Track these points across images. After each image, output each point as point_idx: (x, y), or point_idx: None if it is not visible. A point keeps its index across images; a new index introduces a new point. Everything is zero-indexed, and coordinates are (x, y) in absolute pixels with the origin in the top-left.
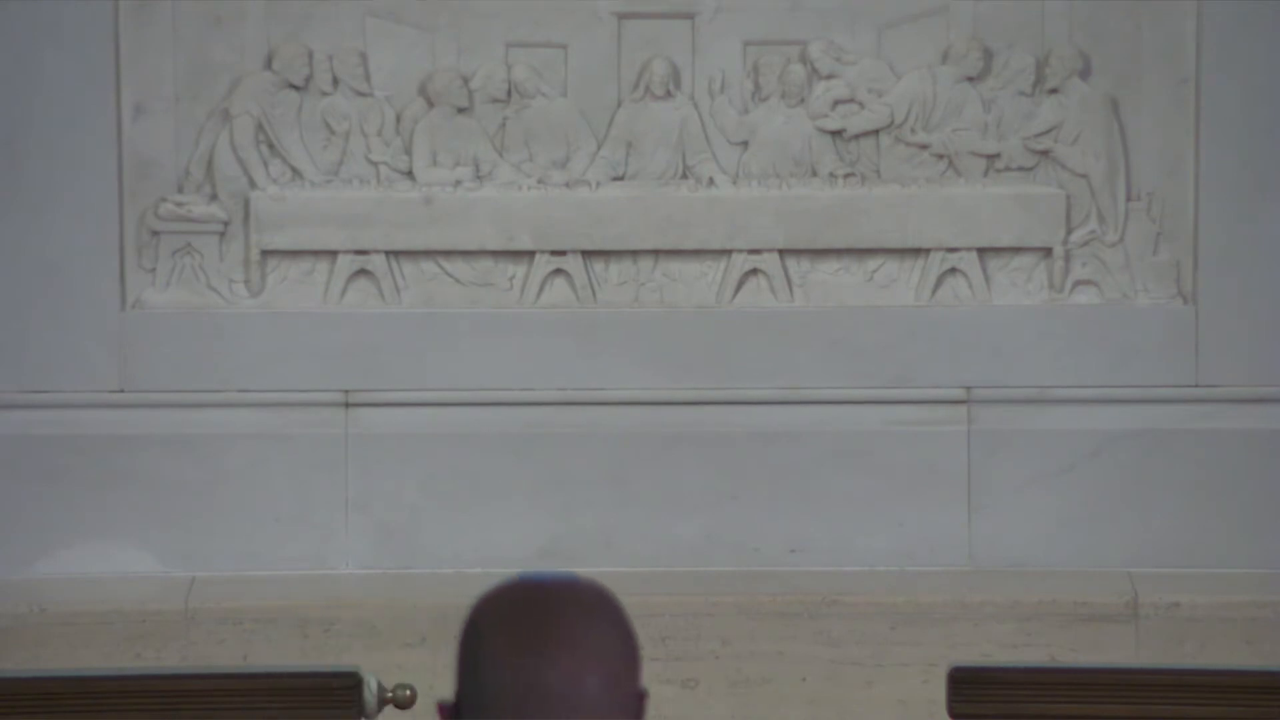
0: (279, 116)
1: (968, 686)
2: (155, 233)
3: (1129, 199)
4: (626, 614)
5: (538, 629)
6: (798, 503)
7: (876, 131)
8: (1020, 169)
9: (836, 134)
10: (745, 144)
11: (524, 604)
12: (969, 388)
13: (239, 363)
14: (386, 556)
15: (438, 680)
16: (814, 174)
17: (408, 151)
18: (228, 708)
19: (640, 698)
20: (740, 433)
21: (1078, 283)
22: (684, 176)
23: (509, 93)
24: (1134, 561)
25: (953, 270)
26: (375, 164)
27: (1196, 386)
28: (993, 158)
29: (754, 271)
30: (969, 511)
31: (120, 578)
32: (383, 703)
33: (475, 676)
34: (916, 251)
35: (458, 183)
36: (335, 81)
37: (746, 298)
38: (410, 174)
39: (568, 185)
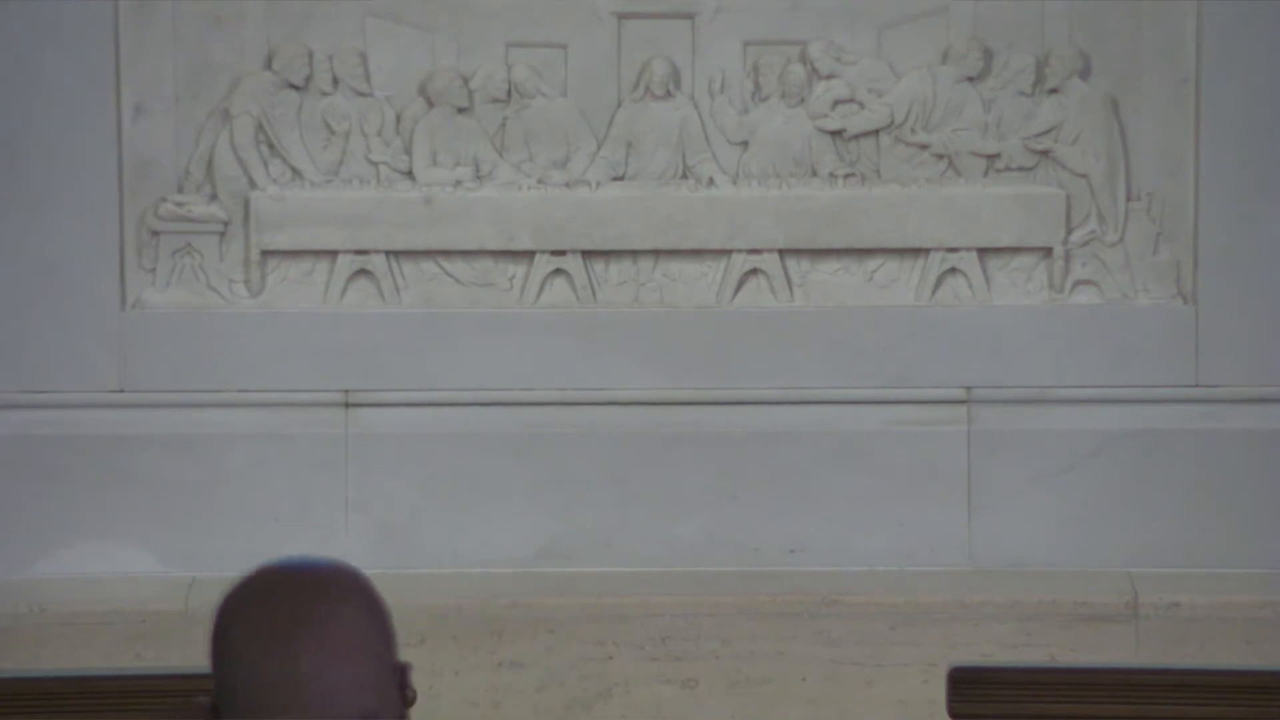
0: (279, 116)
1: (968, 686)
2: (155, 233)
3: (1129, 199)
4: (374, 590)
5: (282, 618)
6: (798, 503)
7: (876, 131)
8: (1020, 169)
9: (836, 134)
10: (745, 144)
11: (267, 594)
12: (969, 388)
13: (239, 363)
14: (386, 556)
15: (438, 680)
16: (814, 174)
17: (408, 151)
18: None
19: (401, 670)
20: (740, 433)
21: (1078, 283)
22: (684, 176)
23: (509, 93)
24: (1134, 561)
25: (953, 270)
26: (375, 164)
27: (1196, 386)
28: (993, 158)
29: (754, 271)
30: (969, 511)
31: (120, 578)
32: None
33: (225, 671)
34: (916, 251)
35: (458, 183)
36: (335, 81)
37: (746, 298)
38: (410, 174)
39: (568, 185)
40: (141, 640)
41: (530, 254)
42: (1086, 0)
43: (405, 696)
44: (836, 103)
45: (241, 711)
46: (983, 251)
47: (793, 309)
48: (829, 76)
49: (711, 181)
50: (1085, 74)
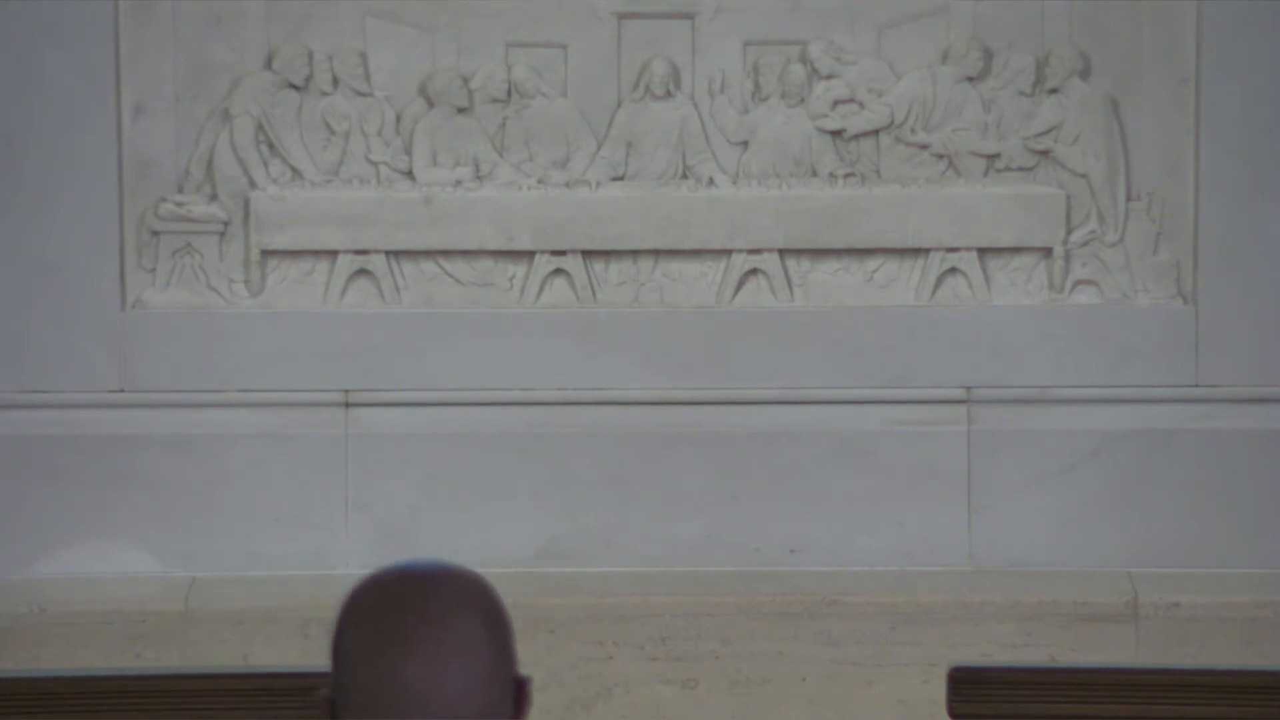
0: (279, 116)
1: (968, 686)
2: (155, 233)
3: (1129, 199)
4: (499, 601)
5: (396, 623)
6: (798, 503)
7: (876, 131)
8: (1020, 169)
9: (836, 134)
10: (745, 144)
11: (386, 597)
12: (969, 388)
13: (239, 363)
14: (386, 556)
15: None
16: (814, 174)
17: (408, 151)
18: (228, 708)
19: (520, 684)
20: (740, 433)
21: (1078, 283)
22: (684, 176)
23: (509, 93)
24: (1134, 561)
25: (953, 270)
26: (375, 164)
27: (1196, 386)
28: (993, 158)
29: (754, 271)
30: (969, 511)
31: (120, 578)
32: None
33: (340, 672)
34: (916, 251)
35: (458, 183)
36: (335, 81)
37: (746, 298)
38: (410, 174)
39: (568, 185)
40: (141, 640)
41: (530, 254)
42: (1086, 0)
43: (521, 709)
44: (836, 103)
45: (353, 713)
46: (983, 251)
47: (793, 309)
48: (829, 76)
49: (711, 181)
50: (1085, 74)
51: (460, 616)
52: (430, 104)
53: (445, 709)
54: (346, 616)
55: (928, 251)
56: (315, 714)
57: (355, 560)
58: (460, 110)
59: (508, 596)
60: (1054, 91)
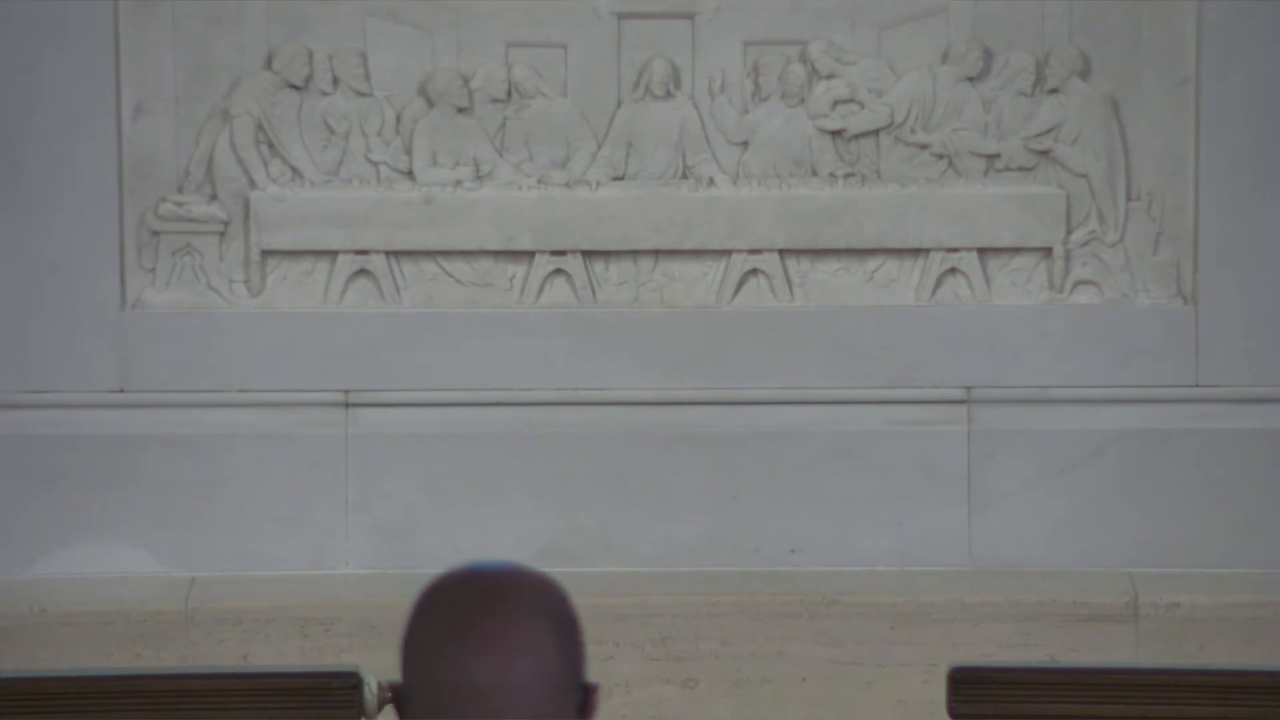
0: (279, 116)
1: (968, 686)
2: (155, 233)
3: (1129, 199)
4: (570, 606)
5: (467, 620)
6: (798, 503)
7: (876, 131)
8: (1020, 169)
9: (836, 134)
10: (745, 144)
11: (456, 595)
12: (969, 387)
13: (239, 363)
14: (386, 556)
15: None
16: (814, 174)
17: (408, 151)
18: (228, 708)
19: (587, 691)
20: (740, 433)
21: (1078, 283)
22: (684, 176)
23: (509, 93)
24: (1134, 561)
25: (953, 270)
26: (375, 164)
27: (1196, 386)
28: (993, 158)
29: (754, 271)
30: (969, 511)
31: (120, 578)
32: (383, 703)
33: (409, 668)
34: (916, 251)
35: (458, 183)
36: (335, 81)
37: (746, 298)
38: (410, 174)
39: (568, 185)
40: (141, 640)
41: (530, 254)
42: (1086, 0)
43: (587, 715)
44: (836, 103)
45: (420, 709)
46: (983, 251)
47: (793, 309)
48: (829, 76)
49: (711, 181)
50: (1085, 74)
51: (530, 617)
52: (430, 104)
53: (509, 708)
54: (418, 612)
55: (928, 251)
56: (314, 714)
57: (355, 560)
58: (460, 110)
59: None
60: (1054, 91)
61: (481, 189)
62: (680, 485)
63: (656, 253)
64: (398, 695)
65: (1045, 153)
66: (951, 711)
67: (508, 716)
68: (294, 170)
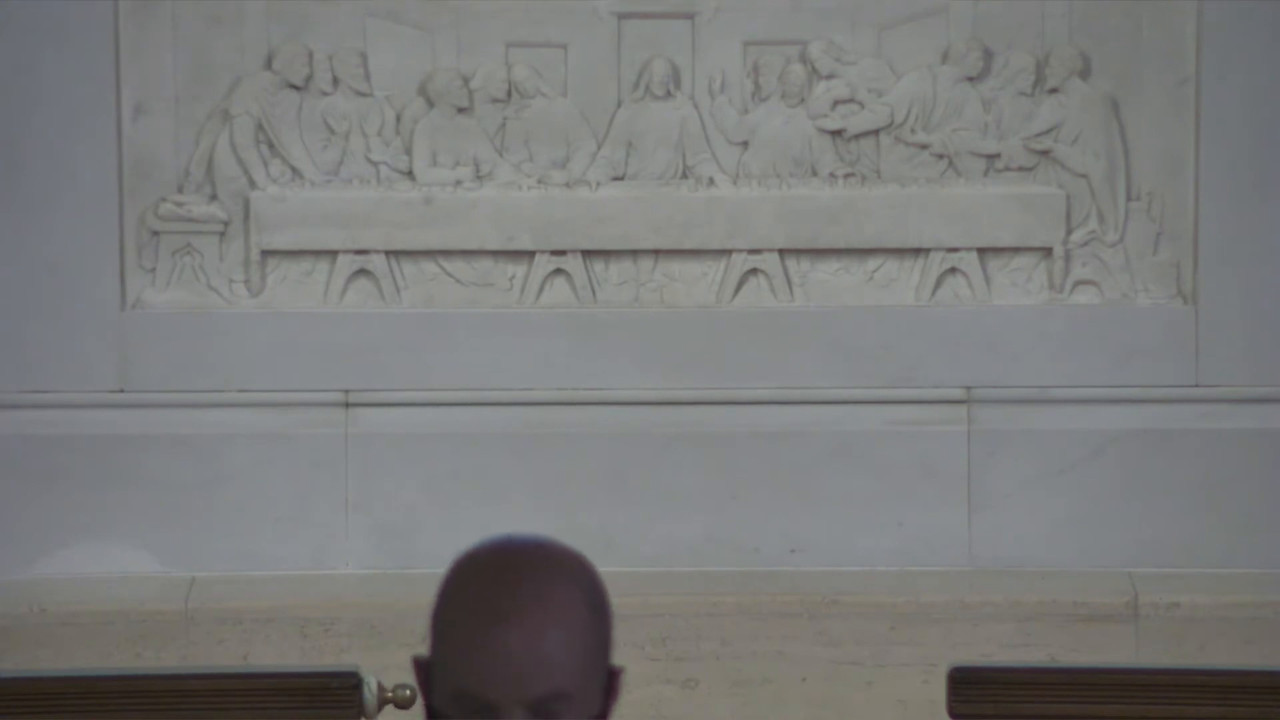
0: (279, 116)
1: (968, 686)
2: (155, 233)
3: (1129, 199)
4: (602, 585)
5: (501, 589)
6: (798, 503)
7: (876, 131)
8: (1020, 169)
9: (836, 134)
10: (745, 144)
11: (492, 564)
12: (969, 387)
13: (239, 363)
14: (386, 556)
15: None
16: (814, 174)
17: (408, 151)
18: (228, 708)
19: (612, 675)
20: (740, 433)
21: (1078, 283)
22: (684, 176)
23: (509, 93)
24: (1134, 561)
25: (953, 270)
26: (375, 164)
27: (1196, 386)
28: (993, 158)
29: (754, 271)
30: (969, 511)
31: (120, 578)
32: (383, 703)
33: (441, 634)
34: (916, 251)
35: (458, 183)
36: (335, 81)
37: (746, 298)
38: (410, 174)
39: (568, 185)
40: (141, 640)
41: (530, 254)
42: (1086, 0)
43: (612, 697)
44: (836, 103)
45: (448, 679)
46: (983, 251)
47: (793, 309)
48: (829, 76)
49: (711, 181)
50: (1085, 74)
51: (562, 589)
52: (430, 104)
53: (540, 679)
54: (448, 582)
55: (928, 251)
56: (314, 714)
57: (355, 560)
58: (460, 110)
59: None
60: (1054, 91)
61: (481, 189)
62: (680, 485)
63: (656, 253)
64: (424, 671)
65: (1045, 153)
66: (951, 711)
67: (538, 687)
68: (294, 170)
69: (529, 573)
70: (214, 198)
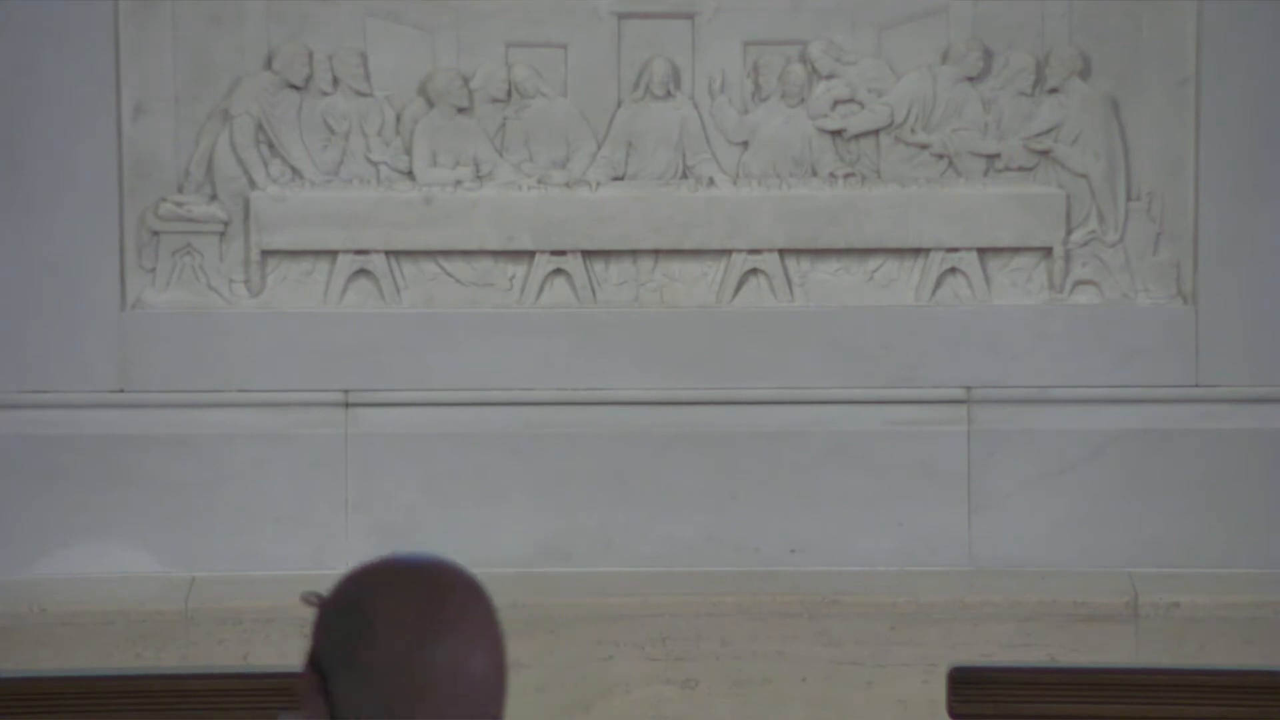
0: (279, 116)
1: (968, 686)
2: (155, 233)
3: (1129, 199)
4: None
5: (426, 608)
6: (798, 503)
7: (876, 131)
8: (1020, 169)
9: (836, 134)
10: (745, 144)
11: (409, 583)
12: (969, 387)
13: (239, 363)
14: None
15: None
16: (814, 174)
17: (408, 151)
18: (228, 708)
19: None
20: (740, 433)
21: (1078, 283)
22: (684, 176)
23: (509, 93)
24: (1134, 561)
25: (953, 270)
26: (375, 164)
27: (1196, 386)
28: (993, 158)
29: (754, 271)
30: (969, 511)
31: (120, 578)
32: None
33: (357, 651)
34: (916, 251)
35: (458, 183)
36: (335, 81)
37: (746, 298)
38: (410, 174)
39: (568, 185)
40: (141, 640)
41: (530, 254)
42: (1086, 0)
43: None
44: (836, 103)
45: (366, 700)
46: (983, 251)
47: (793, 309)
48: (829, 76)
49: (711, 181)
50: (1085, 74)
51: (480, 611)
52: (430, 104)
53: (471, 691)
54: (364, 597)
55: (928, 251)
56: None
57: (355, 560)
58: (460, 110)
59: (508, 597)
60: (1054, 91)
61: (481, 189)
62: (680, 485)
63: (656, 253)
64: (318, 684)
65: (1045, 153)
66: (951, 711)
67: (470, 699)
68: (294, 170)
69: (450, 595)
70: (214, 198)
